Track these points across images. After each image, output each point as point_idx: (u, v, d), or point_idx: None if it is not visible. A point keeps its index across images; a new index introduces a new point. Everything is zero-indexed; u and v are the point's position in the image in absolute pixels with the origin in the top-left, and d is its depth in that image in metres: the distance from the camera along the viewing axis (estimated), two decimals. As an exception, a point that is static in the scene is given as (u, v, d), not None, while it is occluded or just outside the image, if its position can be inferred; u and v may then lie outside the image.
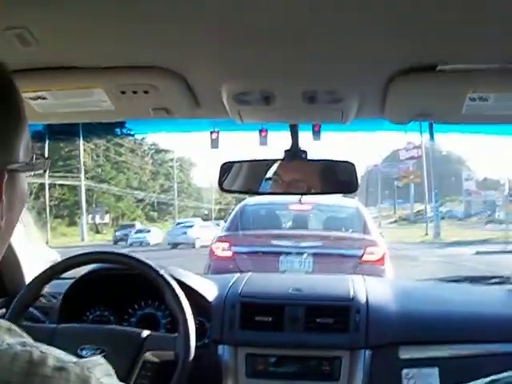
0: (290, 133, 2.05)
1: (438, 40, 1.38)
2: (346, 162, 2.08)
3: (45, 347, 0.79)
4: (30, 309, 2.20)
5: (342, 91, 1.68)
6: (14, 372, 0.73)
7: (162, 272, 2.09)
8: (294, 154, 2.06)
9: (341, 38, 1.37)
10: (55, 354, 0.78)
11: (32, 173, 0.92)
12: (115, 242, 40.86)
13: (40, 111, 1.81)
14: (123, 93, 1.66)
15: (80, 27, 1.32)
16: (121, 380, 0.84)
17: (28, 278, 2.39)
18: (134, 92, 1.66)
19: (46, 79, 1.61)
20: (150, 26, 1.32)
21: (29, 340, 0.81)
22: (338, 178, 2.14)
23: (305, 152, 2.06)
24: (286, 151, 2.06)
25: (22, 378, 0.73)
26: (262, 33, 1.34)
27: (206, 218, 55.11)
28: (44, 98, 1.71)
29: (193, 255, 19.99)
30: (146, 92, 1.65)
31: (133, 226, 47.26)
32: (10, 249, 2.44)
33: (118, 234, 44.41)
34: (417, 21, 1.28)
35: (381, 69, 1.55)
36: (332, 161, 2.14)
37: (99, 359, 0.83)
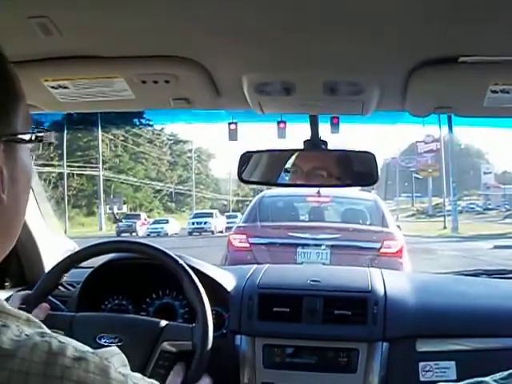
0: (309, 124, 2.04)
1: (460, 31, 1.37)
2: (367, 152, 2.07)
3: (63, 338, 0.80)
4: (49, 297, 2.21)
5: (362, 83, 1.67)
6: (33, 362, 0.74)
7: (180, 261, 2.10)
8: (314, 144, 2.05)
9: (363, 30, 1.37)
10: (74, 345, 0.79)
11: (31, 145, 0.91)
12: (118, 234, 37.54)
13: (61, 100, 1.81)
14: (144, 82, 1.67)
15: (101, 16, 1.33)
16: (138, 369, 0.84)
17: (47, 268, 2.40)
18: (155, 82, 1.66)
19: (68, 68, 1.62)
20: (173, 15, 1.31)
21: (47, 330, 0.82)
22: (358, 169, 2.13)
23: (325, 142, 2.05)
24: (305, 141, 2.05)
25: (42, 368, 0.74)
26: (283, 23, 1.34)
27: (224, 210, 55.18)
28: (65, 87, 1.72)
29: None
30: (166, 82, 1.65)
31: (138, 216, 46.26)
32: (30, 238, 2.46)
33: (121, 224, 42.26)
34: (439, 12, 1.27)
35: (402, 60, 1.54)
36: (352, 151, 2.13)
37: (115, 349, 0.84)
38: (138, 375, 0.82)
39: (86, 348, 0.80)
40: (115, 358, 0.81)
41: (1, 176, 0.82)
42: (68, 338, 0.80)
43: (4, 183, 0.83)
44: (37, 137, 0.90)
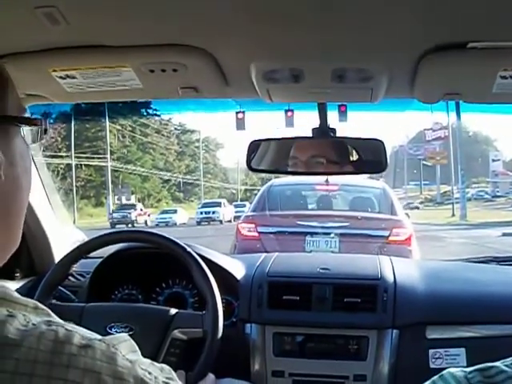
0: (317, 111, 2.03)
1: (469, 17, 1.35)
2: (376, 139, 2.06)
3: (70, 326, 0.80)
4: (59, 288, 2.22)
5: (371, 69, 1.66)
6: (40, 351, 0.74)
7: (189, 250, 2.10)
8: (323, 131, 2.05)
9: (371, 16, 1.36)
10: (81, 332, 0.78)
11: (29, 128, 0.92)
12: (112, 226, 35.15)
13: (69, 90, 1.81)
14: (152, 71, 1.66)
15: (109, 5, 1.32)
16: (149, 358, 0.84)
17: (57, 258, 2.41)
18: (163, 70, 1.65)
19: (75, 58, 1.62)
20: (180, 3, 1.31)
21: (55, 319, 0.82)
22: (366, 156, 2.13)
23: (333, 130, 2.05)
24: (313, 129, 2.05)
25: (49, 357, 0.74)
26: (291, 10, 1.33)
27: (232, 199, 55.15)
28: (73, 78, 1.72)
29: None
30: (174, 70, 1.65)
31: (133, 206, 44.01)
32: (39, 229, 2.47)
33: (115, 215, 39.80)
34: None
35: (411, 46, 1.53)
36: (361, 138, 2.13)
37: (124, 336, 0.84)
38: (147, 361, 0.82)
39: (94, 335, 0.80)
40: (123, 344, 0.81)
41: None
42: (75, 326, 0.80)
43: (1, 164, 0.83)
44: (29, 120, 0.90)
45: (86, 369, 0.74)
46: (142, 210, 44.21)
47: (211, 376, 1.98)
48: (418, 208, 52.17)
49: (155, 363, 0.83)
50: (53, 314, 0.84)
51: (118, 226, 34.89)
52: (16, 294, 0.83)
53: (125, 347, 0.81)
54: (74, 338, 0.77)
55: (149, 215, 43.28)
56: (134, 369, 0.78)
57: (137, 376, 0.77)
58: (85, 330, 0.81)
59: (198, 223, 37.06)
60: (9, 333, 0.75)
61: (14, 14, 1.34)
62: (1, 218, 0.87)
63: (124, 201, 47.79)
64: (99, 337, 0.80)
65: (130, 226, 36.24)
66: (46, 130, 0.96)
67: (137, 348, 0.84)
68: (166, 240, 2.14)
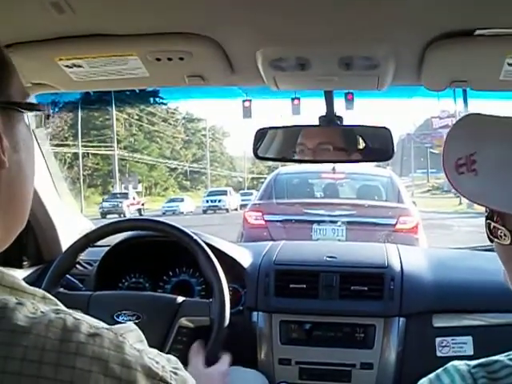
0: (324, 99, 2.03)
1: (476, 4, 1.35)
2: (383, 127, 2.06)
3: (78, 314, 0.80)
4: (67, 276, 2.22)
5: (378, 57, 1.66)
6: (48, 338, 0.74)
7: (196, 238, 2.10)
8: (330, 119, 2.04)
9: (378, 3, 1.35)
10: (88, 321, 0.79)
11: (32, 113, 0.92)
12: (103, 216, 33.07)
13: (76, 79, 1.81)
14: (158, 60, 1.66)
15: None
16: (157, 345, 0.84)
17: (64, 247, 2.42)
18: (169, 59, 1.65)
19: (82, 47, 1.61)
20: None
21: (63, 307, 0.82)
22: (373, 144, 2.12)
23: (340, 118, 2.04)
24: (320, 117, 2.04)
25: (57, 344, 0.74)
26: None
27: (239, 187, 55.09)
28: (80, 66, 1.72)
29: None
30: (181, 59, 1.65)
31: (124, 195, 41.44)
32: (47, 217, 2.47)
33: (105, 204, 37.74)
34: None
35: (418, 34, 1.53)
36: (368, 126, 2.12)
37: (131, 325, 0.84)
38: (154, 351, 0.82)
39: (101, 324, 0.80)
40: (130, 334, 0.81)
41: (0, 142, 0.83)
42: (83, 315, 0.80)
43: (4, 148, 0.83)
44: (32, 105, 0.91)
45: (93, 357, 0.75)
46: (134, 198, 41.84)
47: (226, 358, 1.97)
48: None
49: (162, 353, 0.83)
50: (60, 304, 0.84)
51: (108, 216, 32.55)
52: (24, 284, 0.83)
53: (132, 336, 0.81)
54: (82, 327, 0.77)
55: (143, 204, 41.47)
56: (142, 357, 0.78)
57: (144, 365, 0.78)
58: (93, 318, 0.81)
59: (204, 212, 36.82)
60: (18, 320, 0.75)
61: (21, 4, 1.34)
62: (7, 203, 0.87)
63: (131, 189, 46.66)
64: (107, 326, 0.80)
65: (121, 216, 32.39)
66: (48, 116, 0.96)
67: (143, 338, 0.84)
68: (173, 228, 2.14)
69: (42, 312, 0.78)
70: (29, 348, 0.74)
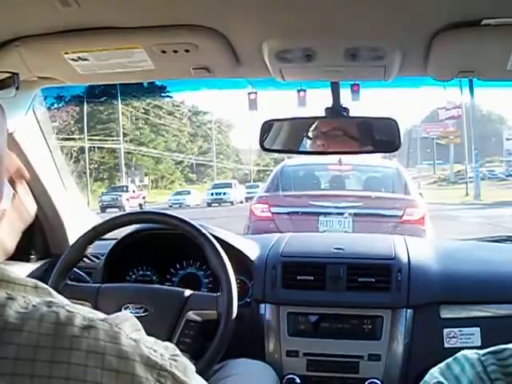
0: (330, 91, 2.02)
1: None
2: (389, 118, 2.05)
3: (71, 306, 0.79)
4: (74, 269, 2.23)
5: (385, 48, 1.65)
6: (41, 334, 0.74)
7: (203, 231, 2.10)
8: (336, 111, 2.04)
9: None
10: (82, 313, 0.78)
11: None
12: (102, 210, 32.00)
13: (81, 72, 1.81)
14: (164, 52, 1.66)
15: None
16: (164, 338, 0.84)
17: (71, 240, 2.42)
18: (175, 51, 1.65)
19: (87, 40, 1.61)
20: None
21: (56, 299, 0.81)
22: (380, 136, 2.12)
23: (346, 109, 2.03)
24: (326, 109, 2.04)
25: (51, 340, 0.74)
26: None
27: (245, 179, 55.03)
28: (85, 60, 1.72)
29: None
30: (186, 51, 1.64)
31: (124, 188, 40.16)
32: (54, 211, 2.48)
33: (104, 198, 36.33)
34: None
35: (425, 24, 1.52)
36: (374, 118, 2.12)
37: (127, 314, 0.83)
38: (151, 339, 0.82)
39: (96, 315, 0.79)
40: (126, 323, 0.80)
41: None
42: (76, 306, 0.80)
43: None
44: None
45: (89, 350, 0.74)
46: (134, 191, 40.61)
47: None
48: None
49: (159, 341, 0.83)
50: (53, 293, 0.83)
51: (108, 210, 31.41)
52: (14, 274, 0.82)
53: (128, 326, 0.80)
54: (75, 319, 0.76)
55: (143, 197, 40.43)
56: (139, 347, 0.78)
57: (142, 354, 0.77)
58: (87, 309, 0.80)
59: (209, 205, 36.35)
60: (9, 317, 0.74)
61: None
62: None
63: (137, 183, 46.48)
64: (102, 316, 0.79)
65: (121, 210, 31.37)
66: (18, 87, 0.96)
67: (140, 326, 0.83)
68: (181, 221, 2.14)
69: (33, 306, 0.77)
70: (22, 346, 0.73)
